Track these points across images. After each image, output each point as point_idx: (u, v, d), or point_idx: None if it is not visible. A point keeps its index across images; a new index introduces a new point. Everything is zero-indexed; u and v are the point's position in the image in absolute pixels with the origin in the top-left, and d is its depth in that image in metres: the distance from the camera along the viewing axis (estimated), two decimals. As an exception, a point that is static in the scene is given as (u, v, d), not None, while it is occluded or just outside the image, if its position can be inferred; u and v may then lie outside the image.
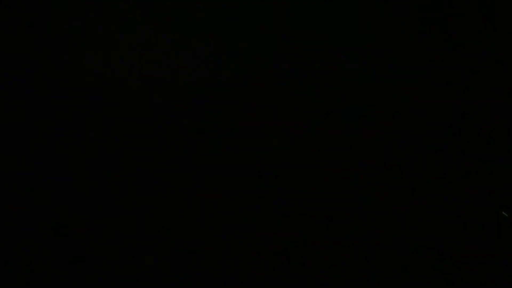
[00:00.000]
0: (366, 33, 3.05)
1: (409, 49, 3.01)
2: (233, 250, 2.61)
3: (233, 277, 2.46)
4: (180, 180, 2.93)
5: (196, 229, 2.71)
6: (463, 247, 2.53)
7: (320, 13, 3.08)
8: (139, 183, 2.90)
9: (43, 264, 2.54)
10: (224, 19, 3.20)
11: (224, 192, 2.86)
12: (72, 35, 3.30)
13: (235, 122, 3.10)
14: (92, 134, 3.07)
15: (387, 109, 3.02)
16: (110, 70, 3.33)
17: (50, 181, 2.90)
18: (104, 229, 2.74)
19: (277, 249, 2.61)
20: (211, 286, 2.47)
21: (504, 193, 2.68)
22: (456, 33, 2.98)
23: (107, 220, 2.79)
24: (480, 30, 3.01)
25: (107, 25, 3.30)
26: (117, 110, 3.11)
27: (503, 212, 2.58)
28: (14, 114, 3.09)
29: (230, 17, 3.19)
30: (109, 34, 3.32)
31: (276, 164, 2.91)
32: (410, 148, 2.84)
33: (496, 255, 2.48)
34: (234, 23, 3.20)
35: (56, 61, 3.31)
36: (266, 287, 2.40)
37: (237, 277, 2.44)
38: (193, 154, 2.97)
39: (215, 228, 2.74)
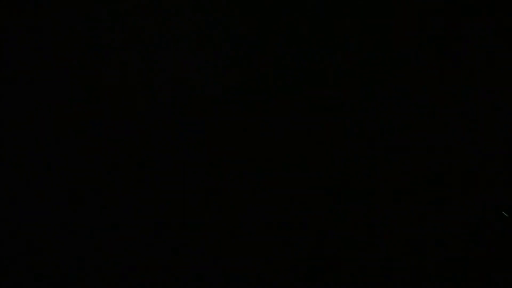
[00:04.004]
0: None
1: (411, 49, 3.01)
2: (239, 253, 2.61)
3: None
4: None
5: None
6: (463, 247, 2.54)
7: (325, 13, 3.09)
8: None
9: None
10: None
11: (233, 195, 2.87)
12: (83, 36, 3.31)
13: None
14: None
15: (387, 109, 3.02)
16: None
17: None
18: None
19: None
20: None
21: (504, 193, 2.68)
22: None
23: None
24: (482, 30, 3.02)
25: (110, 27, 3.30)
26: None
27: (503, 212, 2.59)
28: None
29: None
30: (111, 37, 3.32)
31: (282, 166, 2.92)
32: (410, 148, 2.85)
33: (496, 255, 2.49)
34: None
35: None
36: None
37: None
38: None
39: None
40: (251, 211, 2.81)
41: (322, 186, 2.83)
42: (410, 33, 2.95)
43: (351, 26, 3.01)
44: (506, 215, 2.58)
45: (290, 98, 3.01)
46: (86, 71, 3.14)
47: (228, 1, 3.15)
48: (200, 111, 3.08)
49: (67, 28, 3.20)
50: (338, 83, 2.97)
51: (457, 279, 2.43)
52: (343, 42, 3.03)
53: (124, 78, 3.25)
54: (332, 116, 2.96)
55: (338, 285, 2.47)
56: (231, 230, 2.73)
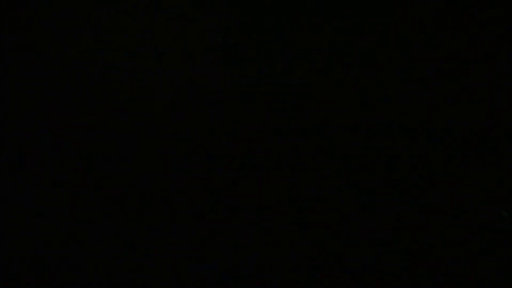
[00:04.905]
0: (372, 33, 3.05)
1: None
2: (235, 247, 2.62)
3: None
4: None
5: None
6: (463, 247, 2.54)
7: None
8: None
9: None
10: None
11: (235, 190, 2.87)
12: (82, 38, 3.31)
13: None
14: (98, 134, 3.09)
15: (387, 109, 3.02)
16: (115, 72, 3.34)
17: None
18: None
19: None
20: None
21: (504, 193, 2.68)
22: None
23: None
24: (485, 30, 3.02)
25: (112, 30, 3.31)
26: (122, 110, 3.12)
27: (503, 212, 2.59)
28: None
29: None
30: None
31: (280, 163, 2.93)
32: (410, 147, 2.85)
33: (496, 255, 2.49)
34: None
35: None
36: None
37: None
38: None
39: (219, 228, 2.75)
40: (252, 210, 2.82)
41: (322, 185, 2.83)
42: (410, 33, 2.95)
43: (351, 26, 3.01)
44: (506, 215, 2.57)
45: (291, 97, 3.01)
46: (85, 71, 3.15)
47: (229, 1, 3.15)
48: (201, 110, 3.09)
49: (67, 28, 3.21)
50: (339, 82, 2.97)
51: (456, 279, 2.43)
52: (343, 41, 3.03)
53: (124, 78, 3.26)
54: (332, 115, 2.96)
55: (337, 285, 2.47)
56: (232, 230, 2.74)
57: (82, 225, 2.76)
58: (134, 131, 3.15)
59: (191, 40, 3.29)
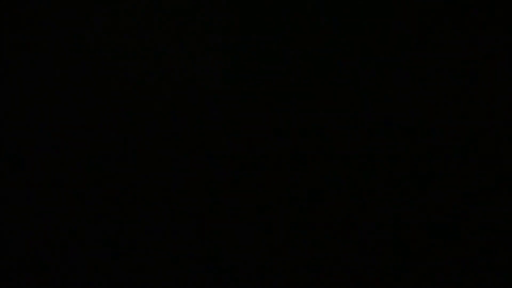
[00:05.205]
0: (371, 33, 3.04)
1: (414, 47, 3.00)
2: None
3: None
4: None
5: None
6: (463, 247, 2.54)
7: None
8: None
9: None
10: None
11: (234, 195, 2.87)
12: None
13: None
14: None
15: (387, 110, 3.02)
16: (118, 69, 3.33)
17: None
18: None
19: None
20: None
21: (504, 193, 2.68)
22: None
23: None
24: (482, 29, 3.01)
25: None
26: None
27: (503, 212, 2.58)
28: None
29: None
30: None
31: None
32: (410, 147, 2.84)
33: (496, 255, 2.49)
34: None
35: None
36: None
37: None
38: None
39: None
40: (252, 210, 2.81)
41: (322, 185, 2.82)
42: (410, 33, 2.95)
43: (351, 26, 3.00)
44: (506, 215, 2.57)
45: (291, 97, 3.00)
46: (85, 71, 3.14)
47: (229, 1, 3.14)
48: (201, 110, 3.08)
49: (67, 28, 3.20)
50: (339, 82, 2.96)
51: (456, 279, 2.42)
52: (343, 41, 3.02)
53: (123, 78, 3.25)
54: (332, 115, 2.95)
55: (335, 285, 2.47)
56: (232, 230, 2.73)
57: (82, 225, 2.75)
58: (133, 131, 3.14)
59: (191, 40, 3.28)
